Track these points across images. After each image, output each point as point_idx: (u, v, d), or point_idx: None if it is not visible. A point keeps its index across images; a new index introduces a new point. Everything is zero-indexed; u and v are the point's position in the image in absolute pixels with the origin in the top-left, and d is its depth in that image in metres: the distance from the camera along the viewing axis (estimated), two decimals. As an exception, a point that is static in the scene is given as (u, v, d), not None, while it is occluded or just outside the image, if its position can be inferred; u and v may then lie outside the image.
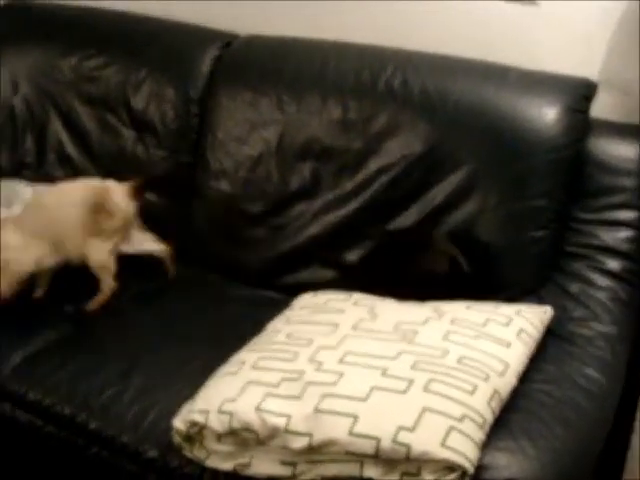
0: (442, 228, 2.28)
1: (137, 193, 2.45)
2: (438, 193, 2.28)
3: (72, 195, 2.43)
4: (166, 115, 2.66)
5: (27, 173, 2.89)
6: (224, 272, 2.53)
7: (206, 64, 2.64)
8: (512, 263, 2.24)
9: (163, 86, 2.67)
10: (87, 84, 2.81)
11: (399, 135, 2.32)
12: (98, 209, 2.37)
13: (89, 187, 2.44)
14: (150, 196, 2.64)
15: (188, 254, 2.58)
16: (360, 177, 2.37)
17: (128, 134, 2.73)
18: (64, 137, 2.86)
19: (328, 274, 2.40)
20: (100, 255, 2.36)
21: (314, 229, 2.42)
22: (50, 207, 2.42)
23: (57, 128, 2.87)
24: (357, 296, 2.08)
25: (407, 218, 2.31)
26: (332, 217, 2.40)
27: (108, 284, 2.35)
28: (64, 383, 2.08)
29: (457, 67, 2.38)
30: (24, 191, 2.72)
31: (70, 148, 2.85)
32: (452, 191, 2.27)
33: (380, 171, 2.34)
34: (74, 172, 2.75)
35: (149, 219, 2.58)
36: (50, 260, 2.35)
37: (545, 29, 2.38)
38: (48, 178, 2.82)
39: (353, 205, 2.37)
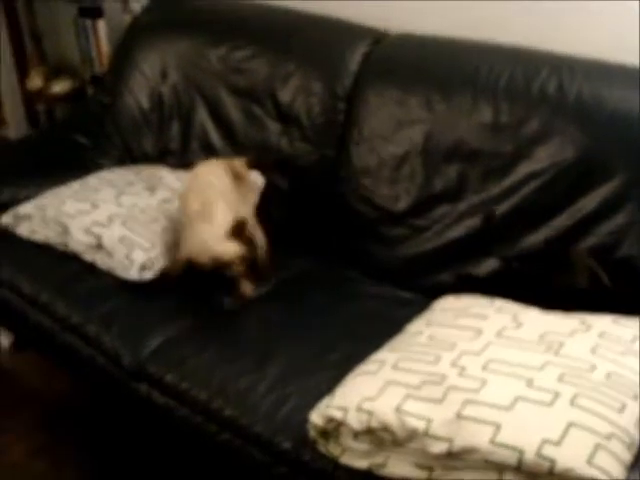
0: (590, 239, 2.21)
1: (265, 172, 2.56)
2: (588, 203, 2.21)
3: (219, 167, 2.50)
4: (312, 109, 2.67)
5: (171, 160, 2.96)
6: (362, 269, 2.51)
7: (355, 60, 2.63)
8: (661, 279, 2.15)
9: (311, 80, 2.68)
10: (235, 75, 2.85)
11: (551, 141, 2.26)
12: (239, 179, 2.48)
13: (227, 161, 2.55)
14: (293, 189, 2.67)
15: (328, 248, 2.59)
16: (508, 182, 2.31)
17: (273, 126, 2.75)
18: (209, 126, 2.91)
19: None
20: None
21: (456, 232, 2.38)
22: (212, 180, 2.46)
23: (203, 117, 2.92)
24: (499, 302, 2.04)
25: (554, 227, 2.25)
26: (476, 221, 2.35)
27: (260, 238, 2.41)
28: (202, 369, 2.11)
29: (614, 73, 2.30)
30: (167, 177, 2.78)
31: (214, 137, 2.90)
32: (603, 201, 2.20)
33: (529, 177, 2.28)
34: (217, 161, 2.79)
35: (290, 213, 2.61)
36: None
37: None
38: (191, 166, 2.88)
39: (499, 210, 2.32)
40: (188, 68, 2.96)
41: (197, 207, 2.32)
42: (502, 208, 2.32)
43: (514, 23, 2.53)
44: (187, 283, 2.36)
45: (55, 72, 3.85)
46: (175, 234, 2.45)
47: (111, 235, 2.43)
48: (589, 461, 1.53)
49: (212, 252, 2.19)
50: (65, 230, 2.49)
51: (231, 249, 2.21)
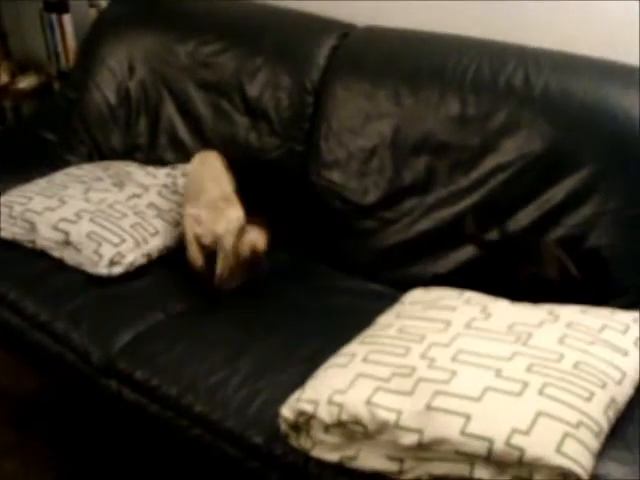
0: (557, 230, 2.22)
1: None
2: (556, 194, 2.22)
3: (218, 158, 2.55)
4: (280, 103, 2.66)
5: (139, 155, 2.94)
6: (332, 263, 2.52)
7: (323, 54, 2.63)
8: (629, 269, 2.17)
9: (279, 74, 2.68)
10: (203, 70, 2.84)
11: (518, 133, 2.26)
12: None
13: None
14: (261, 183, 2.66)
15: (297, 243, 2.59)
16: (475, 174, 2.32)
17: (241, 121, 2.74)
18: (177, 121, 2.90)
19: (437, 270, 2.37)
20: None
21: (425, 225, 2.39)
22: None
23: (171, 112, 2.91)
24: (469, 294, 2.05)
25: (522, 218, 2.26)
26: (444, 214, 2.36)
27: None
28: (172, 364, 2.10)
29: (581, 66, 2.31)
30: (136, 173, 2.76)
31: (183, 132, 2.89)
32: (570, 192, 2.20)
33: (496, 169, 2.29)
34: (186, 156, 2.78)
35: (260, 207, 2.59)
36: None
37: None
38: (159, 161, 2.87)
39: (467, 202, 2.33)
40: (155, 63, 2.94)
41: (218, 193, 2.37)
42: (470, 200, 2.33)
43: (511, 22, 2.52)
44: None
45: (21, 68, 3.82)
46: (146, 229, 2.47)
47: (79, 231, 2.42)
48: (558, 450, 1.54)
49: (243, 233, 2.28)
50: (32, 227, 2.47)
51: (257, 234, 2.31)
